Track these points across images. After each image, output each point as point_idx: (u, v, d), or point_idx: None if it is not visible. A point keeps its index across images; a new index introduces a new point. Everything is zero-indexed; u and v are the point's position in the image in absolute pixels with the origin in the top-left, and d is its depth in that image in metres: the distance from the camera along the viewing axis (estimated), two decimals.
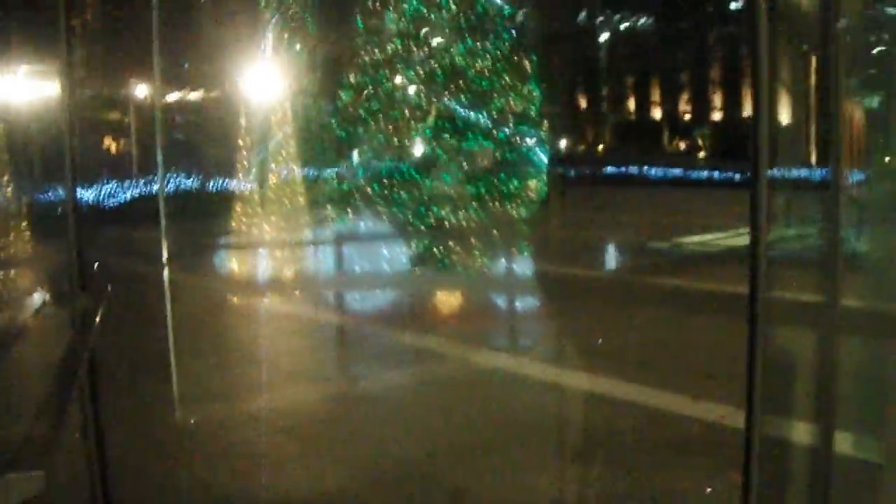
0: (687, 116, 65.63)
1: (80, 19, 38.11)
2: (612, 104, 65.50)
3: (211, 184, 30.79)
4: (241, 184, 31.43)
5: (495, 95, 13.10)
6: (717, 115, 64.07)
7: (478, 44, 12.93)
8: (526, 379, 7.24)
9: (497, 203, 12.78)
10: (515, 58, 13.22)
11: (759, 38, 2.69)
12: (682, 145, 62.91)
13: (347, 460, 5.70)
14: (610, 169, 47.09)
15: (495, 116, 13.06)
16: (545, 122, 13.63)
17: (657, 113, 67.51)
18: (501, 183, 12.91)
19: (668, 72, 64.27)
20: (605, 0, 58.65)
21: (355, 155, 14.34)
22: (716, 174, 42.43)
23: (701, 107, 64.80)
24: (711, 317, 9.64)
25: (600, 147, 62.58)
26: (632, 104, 67.73)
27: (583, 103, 65.03)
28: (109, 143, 51.64)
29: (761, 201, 2.78)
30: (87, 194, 26.89)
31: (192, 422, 6.50)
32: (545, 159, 13.57)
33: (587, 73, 61.28)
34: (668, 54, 62.65)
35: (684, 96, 65.72)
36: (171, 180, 28.49)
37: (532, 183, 13.05)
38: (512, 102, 13.12)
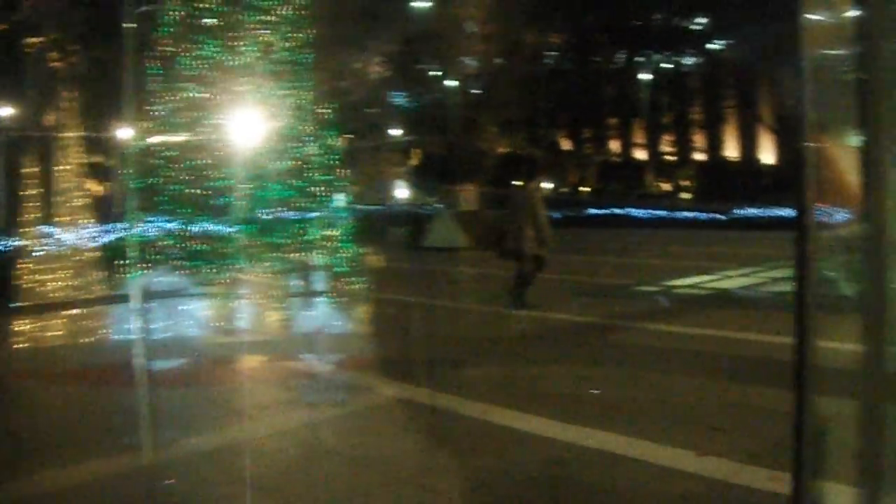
0: (670, 157, 66.03)
1: (65, 62, 38.09)
2: (596, 145, 65.82)
3: (193, 226, 30.43)
4: (221, 226, 31.11)
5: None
6: (700, 156, 64.45)
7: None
8: (511, 431, 6.92)
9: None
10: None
11: (804, 73, 2.58)
12: (667, 186, 63.21)
13: None
14: (593, 210, 47.13)
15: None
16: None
17: (641, 154, 67.86)
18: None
19: (651, 112, 64.62)
20: (592, 42, 59.01)
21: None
22: (701, 215, 42.54)
23: (684, 147, 65.20)
24: (710, 364, 9.40)
25: (584, 188, 62.75)
26: (615, 145, 68.10)
27: (566, 145, 65.34)
28: (91, 186, 51.47)
29: (808, 246, 2.59)
30: (69, 237, 26.76)
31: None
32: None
33: (570, 114, 61.55)
34: (652, 95, 63.01)
35: (667, 137, 66.11)
36: (151, 223, 28.11)
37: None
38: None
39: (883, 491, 3.42)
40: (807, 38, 2.75)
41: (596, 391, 8.10)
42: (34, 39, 36.38)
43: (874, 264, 3.27)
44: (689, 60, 64.63)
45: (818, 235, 3.09)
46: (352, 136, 58.92)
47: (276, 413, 7.72)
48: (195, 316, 11.52)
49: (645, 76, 61.73)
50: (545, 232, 13.50)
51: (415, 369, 9.44)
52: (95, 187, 48.37)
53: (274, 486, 5.83)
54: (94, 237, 14.12)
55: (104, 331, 11.58)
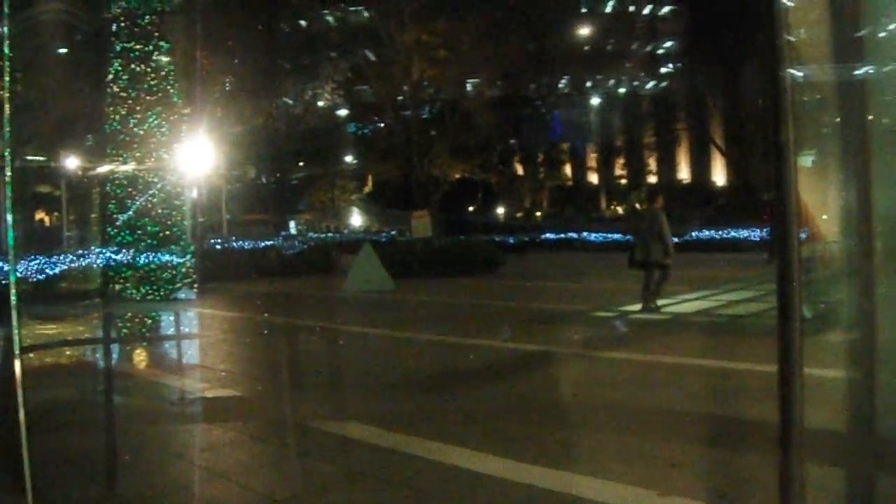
0: (623, 180, 66.34)
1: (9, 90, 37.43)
2: (549, 170, 65.94)
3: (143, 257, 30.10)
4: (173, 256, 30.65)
5: None
6: (653, 178, 64.75)
7: None
8: (466, 473, 6.46)
9: None
10: None
11: (784, 99, 2.36)
12: (620, 209, 63.39)
13: None
14: (549, 235, 47.14)
15: None
16: None
17: (593, 177, 68.12)
18: None
19: (602, 136, 64.99)
20: (540, 65, 59.16)
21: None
22: None
23: (636, 170, 65.51)
24: (666, 395, 9.01)
25: (538, 213, 62.75)
26: (568, 169, 68.31)
27: (518, 170, 65.36)
28: (42, 216, 50.60)
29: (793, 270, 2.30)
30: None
31: None
32: None
33: (522, 140, 61.59)
34: (602, 119, 63.38)
35: (619, 160, 66.46)
36: (102, 254, 27.90)
37: None
38: None
39: None
40: (786, 56, 2.50)
41: (549, 427, 7.66)
42: None
43: (865, 284, 2.94)
44: (639, 84, 65.09)
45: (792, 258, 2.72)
46: (304, 163, 58.77)
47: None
48: None
49: (596, 100, 62.10)
50: (669, 244, 15.83)
51: (361, 405, 8.97)
52: (43, 217, 47.61)
53: None
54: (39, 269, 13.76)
55: None
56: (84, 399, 9.52)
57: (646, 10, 66.70)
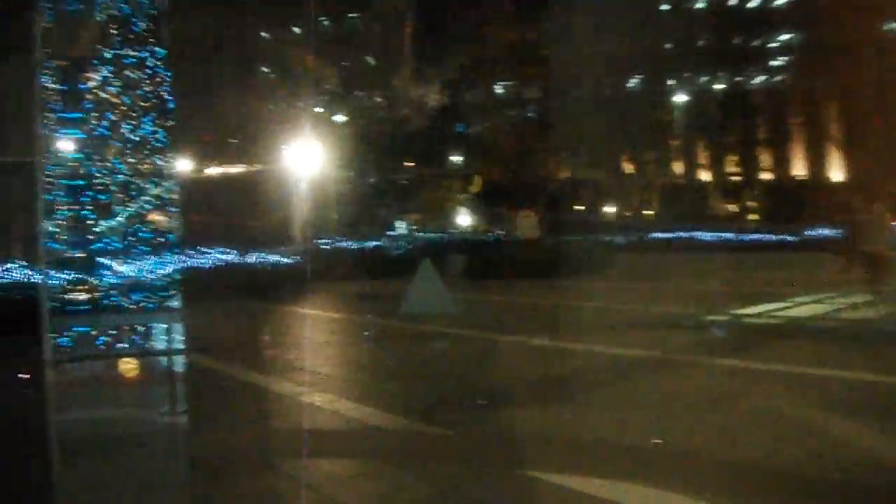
0: (735, 178, 64.79)
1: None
2: (659, 168, 64.81)
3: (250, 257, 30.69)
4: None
5: None
6: (766, 175, 63.14)
7: None
8: (564, 492, 6.12)
9: None
10: None
11: None
12: (733, 207, 61.97)
13: None
14: (658, 234, 46.35)
15: None
16: None
17: (704, 175, 66.70)
18: None
19: (715, 132, 63.60)
20: (647, 62, 58.28)
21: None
22: (770, 237, 41.44)
23: (749, 167, 63.96)
24: (786, 408, 8.49)
25: (648, 212, 61.76)
26: (678, 167, 67.05)
27: (628, 168, 64.44)
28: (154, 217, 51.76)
29: None
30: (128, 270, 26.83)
31: None
32: None
33: (631, 136, 60.67)
34: (715, 115, 62.05)
35: (732, 157, 64.92)
36: (208, 254, 28.46)
37: None
38: None
39: None
40: None
41: (658, 441, 7.25)
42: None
43: None
44: (752, 79, 63.57)
45: None
46: (413, 164, 58.95)
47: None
48: None
49: (708, 96, 60.92)
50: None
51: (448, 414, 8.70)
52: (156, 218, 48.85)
53: None
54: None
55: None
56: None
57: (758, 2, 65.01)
